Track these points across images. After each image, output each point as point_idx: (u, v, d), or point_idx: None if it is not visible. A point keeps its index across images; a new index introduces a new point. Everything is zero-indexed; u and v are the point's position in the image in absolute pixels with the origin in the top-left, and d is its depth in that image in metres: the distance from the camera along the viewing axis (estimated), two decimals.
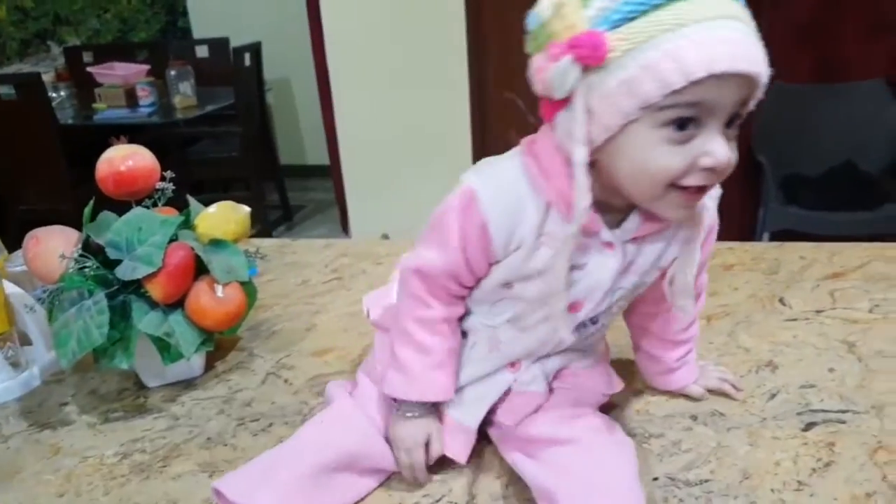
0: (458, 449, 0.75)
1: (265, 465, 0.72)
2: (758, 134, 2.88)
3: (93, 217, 0.90)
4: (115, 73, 3.81)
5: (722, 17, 0.54)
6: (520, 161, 0.66)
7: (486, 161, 0.69)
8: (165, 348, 0.86)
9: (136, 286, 0.86)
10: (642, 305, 0.81)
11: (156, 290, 0.85)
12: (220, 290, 0.89)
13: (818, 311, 1.07)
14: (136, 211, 0.88)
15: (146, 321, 0.85)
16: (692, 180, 0.59)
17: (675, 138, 0.57)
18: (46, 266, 0.88)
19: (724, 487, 0.72)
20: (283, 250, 1.42)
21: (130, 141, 1.07)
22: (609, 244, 0.67)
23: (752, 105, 0.60)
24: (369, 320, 0.86)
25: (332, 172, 3.82)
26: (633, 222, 0.66)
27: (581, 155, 0.58)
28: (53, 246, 0.88)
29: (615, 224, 0.67)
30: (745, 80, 0.56)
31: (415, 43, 3.25)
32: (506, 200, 0.65)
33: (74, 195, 3.21)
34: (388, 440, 0.76)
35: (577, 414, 0.75)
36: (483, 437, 0.79)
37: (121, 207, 0.90)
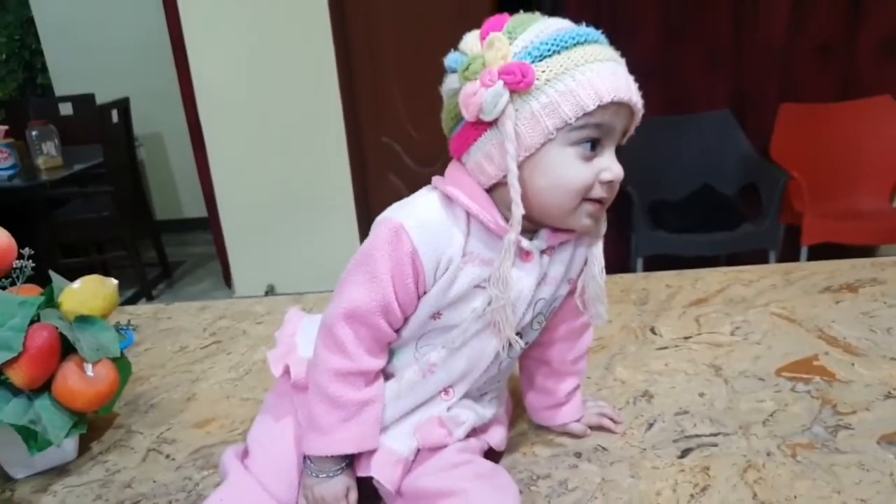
0: (392, 477, 0.75)
1: None
2: (622, 165, 3.03)
3: None
4: None
5: (613, 61, 0.68)
6: (435, 194, 0.73)
7: (399, 202, 0.74)
8: (32, 436, 0.81)
9: None
10: (545, 334, 0.85)
11: (17, 376, 0.80)
12: (89, 369, 0.85)
13: (686, 338, 1.13)
14: None
15: (7, 410, 0.79)
16: (596, 193, 0.69)
17: (585, 155, 0.68)
18: None
19: None
20: (157, 316, 1.37)
21: None
22: (528, 253, 0.74)
23: (626, 137, 0.72)
24: (286, 380, 0.82)
25: (211, 225, 3.73)
26: (543, 235, 0.75)
27: (514, 168, 0.67)
28: None
29: (529, 238, 0.74)
30: (630, 111, 0.69)
31: (288, 92, 3.25)
32: (432, 227, 0.71)
33: None
34: None
35: (463, 460, 0.76)
36: (374, 492, 0.78)
37: None
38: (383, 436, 0.76)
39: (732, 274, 1.36)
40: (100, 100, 3.97)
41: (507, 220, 0.70)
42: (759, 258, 2.90)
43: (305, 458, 0.76)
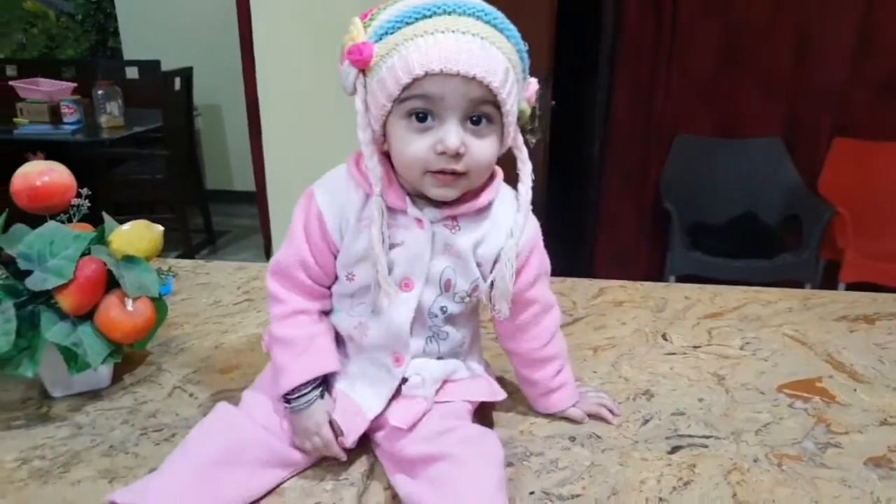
0: (351, 428, 0.81)
1: (154, 472, 0.76)
2: (665, 183, 3.04)
3: (5, 229, 0.92)
4: (40, 89, 3.76)
5: (453, 31, 0.69)
6: (347, 165, 0.81)
7: None
8: (73, 358, 0.88)
9: (46, 297, 0.88)
10: (498, 325, 0.90)
11: (66, 301, 0.87)
12: (129, 303, 0.92)
13: (695, 347, 1.16)
14: (50, 225, 0.91)
15: (54, 331, 0.87)
16: (433, 164, 0.73)
17: (417, 128, 0.72)
18: None
19: (593, 502, 0.79)
20: (196, 271, 1.45)
21: (50, 157, 1.09)
22: (419, 221, 0.79)
23: (506, 109, 0.72)
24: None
25: (257, 200, 3.82)
26: (435, 207, 0.79)
27: (364, 137, 0.75)
28: None
29: (423, 207, 0.79)
30: (471, 82, 0.69)
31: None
32: (334, 192, 0.80)
33: None
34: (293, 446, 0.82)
35: (447, 427, 0.80)
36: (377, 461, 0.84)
37: (34, 221, 0.93)
38: (346, 386, 0.84)
39: (752, 293, 1.38)
40: (165, 67, 4.11)
41: (401, 185, 0.78)
42: None
43: (284, 404, 0.82)
